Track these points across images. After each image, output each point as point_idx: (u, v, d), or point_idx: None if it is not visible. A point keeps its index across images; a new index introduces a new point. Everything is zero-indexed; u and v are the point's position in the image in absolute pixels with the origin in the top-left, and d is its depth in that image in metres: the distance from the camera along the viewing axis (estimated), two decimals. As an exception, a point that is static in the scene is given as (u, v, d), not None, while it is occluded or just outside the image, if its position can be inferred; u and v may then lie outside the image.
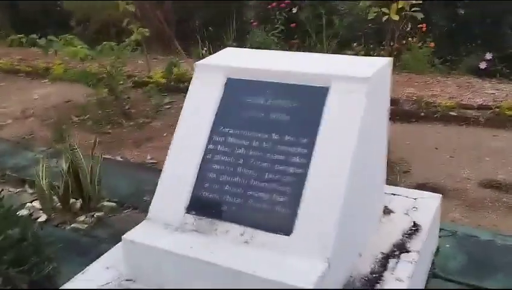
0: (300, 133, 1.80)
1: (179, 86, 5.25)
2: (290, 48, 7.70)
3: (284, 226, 1.71)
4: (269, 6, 7.53)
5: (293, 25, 7.78)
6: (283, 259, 1.64)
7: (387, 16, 5.44)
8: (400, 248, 1.98)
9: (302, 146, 1.77)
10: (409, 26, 6.07)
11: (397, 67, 5.86)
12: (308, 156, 1.75)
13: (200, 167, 1.89)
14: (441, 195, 2.32)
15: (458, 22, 6.25)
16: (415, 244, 1.99)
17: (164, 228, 1.86)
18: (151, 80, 5.31)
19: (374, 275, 1.84)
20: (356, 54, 6.80)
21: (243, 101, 1.92)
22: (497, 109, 4.03)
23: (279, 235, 1.70)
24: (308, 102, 1.82)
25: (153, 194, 3.02)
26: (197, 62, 2.04)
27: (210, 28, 7.93)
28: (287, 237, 1.69)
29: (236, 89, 1.95)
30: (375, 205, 2.11)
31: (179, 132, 1.98)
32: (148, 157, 3.69)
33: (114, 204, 2.99)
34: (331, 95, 1.78)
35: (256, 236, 1.73)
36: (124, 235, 1.86)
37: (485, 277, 2.20)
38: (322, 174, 1.71)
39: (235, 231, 1.76)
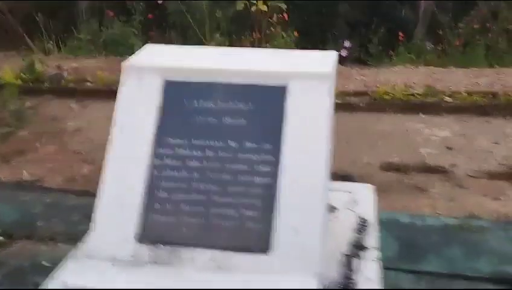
0: (262, 138, 1.63)
1: (38, 87, 4.64)
2: (149, 39, 7.35)
3: (260, 244, 1.54)
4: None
5: (150, 16, 7.43)
6: (267, 280, 1.47)
7: (254, 7, 5.48)
8: (358, 247, 1.93)
9: (266, 152, 1.61)
10: (274, 16, 6.18)
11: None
12: (275, 163, 1.59)
13: (146, 186, 1.62)
14: (374, 186, 2.33)
15: (319, 12, 6.54)
16: (370, 240, 1.96)
17: (113, 264, 1.55)
18: (3, 81, 4.59)
19: (344, 279, 1.77)
20: (219, 45, 6.74)
21: (188, 107, 1.68)
22: (374, 94, 4.28)
23: (255, 254, 1.52)
24: (265, 103, 1.66)
25: (50, 218, 2.60)
26: (123, 63, 1.74)
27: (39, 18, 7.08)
28: (265, 255, 1.52)
29: (178, 93, 1.70)
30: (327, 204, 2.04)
31: (114, 147, 1.67)
32: (25, 173, 3.16)
33: (0, 237, 2.49)
34: (291, 94, 1.63)
35: (229, 259, 1.53)
36: (69, 282, 1.50)
37: (420, 260, 2.28)
38: (295, 182, 1.57)
39: (203, 257, 1.54)
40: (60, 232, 2.49)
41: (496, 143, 3.51)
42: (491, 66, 5.92)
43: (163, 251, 1.55)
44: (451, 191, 2.93)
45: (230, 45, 6.84)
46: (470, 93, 4.12)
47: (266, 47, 6.41)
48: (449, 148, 3.43)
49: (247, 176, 1.60)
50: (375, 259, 1.86)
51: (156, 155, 1.64)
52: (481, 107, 4.01)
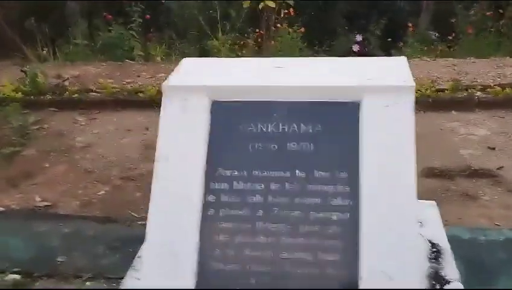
0: (335, 165, 1.38)
1: (39, 99, 4.35)
2: (147, 41, 7.08)
3: (345, 294, 1.30)
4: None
5: (147, 17, 7.15)
6: (359, 341, 1.23)
7: (262, 4, 5.22)
8: (437, 280, 1.68)
9: (341, 182, 1.36)
10: (282, 13, 5.93)
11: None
12: (353, 195, 1.35)
13: (202, 229, 1.37)
14: (434, 201, 2.10)
15: (326, 8, 6.29)
16: (448, 270, 1.71)
17: (169, 326, 1.30)
18: (2, 95, 4.30)
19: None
20: (223, 43, 6.49)
21: (243, 132, 1.43)
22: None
23: (341, 307, 1.29)
24: (335, 123, 1.41)
25: (71, 252, 2.34)
26: (165, 83, 1.48)
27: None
28: (353, 308, 1.28)
29: (230, 116, 1.45)
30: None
31: (160, 183, 1.41)
32: (37, 199, 2.90)
33: (17, 276, 2.22)
34: (366, 111, 1.39)
35: (310, 314, 1.29)
36: None
37: (491, 283, 2.04)
38: (380, 216, 1.32)
39: (279, 313, 1.29)
40: (84, 268, 2.23)
41: (540, 141, 3.28)
42: (508, 54, 5.69)
43: (228, 307, 1.31)
44: (505, 198, 2.70)
45: (234, 43, 6.58)
46: (501, 87, 3.90)
47: (273, 44, 6.17)
48: (491, 149, 3.20)
49: (321, 211, 1.35)
50: (461, 294, 1.61)
51: (209, 191, 1.39)
52: (515, 101, 3.79)
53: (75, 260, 2.29)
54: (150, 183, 2.96)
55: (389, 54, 6.36)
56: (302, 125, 1.41)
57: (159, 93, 4.78)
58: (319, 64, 1.59)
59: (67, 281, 2.17)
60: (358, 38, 5.74)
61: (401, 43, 6.82)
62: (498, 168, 2.92)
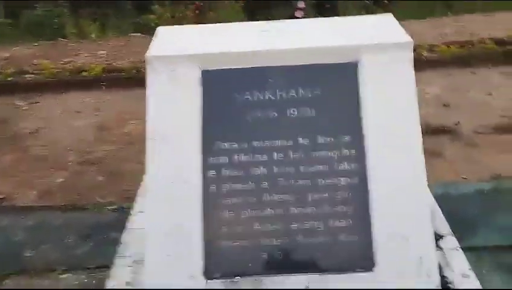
0: (338, 129, 1.33)
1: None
2: (79, 18, 6.70)
3: (360, 260, 1.27)
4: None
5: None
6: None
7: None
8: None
9: (346, 146, 1.32)
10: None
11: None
12: (360, 158, 1.31)
13: (205, 207, 1.29)
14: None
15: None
16: (440, 226, 1.73)
17: (183, 312, 1.23)
18: None
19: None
20: (161, 16, 6.25)
21: (238, 101, 1.35)
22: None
23: (358, 273, 1.26)
24: (333, 86, 1.36)
25: (39, 245, 2.22)
26: (148, 54, 1.36)
27: None
28: (370, 273, 1.26)
29: (224, 85, 1.36)
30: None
31: (154, 163, 1.31)
32: (-13, 193, 2.67)
33: (-18, 276, 2.04)
34: (365, 71, 1.34)
35: (329, 282, 1.25)
36: None
37: (473, 235, 2.10)
38: (388, 177, 1.30)
39: (297, 284, 1.25)
40: (57, 261, 2.09)
41: (489, 94, 3.41)
42: (443, 15, 5.84)
43: (243, 283, 1.25)
44: (466, 152, 2.79)
45: (173, 15, 6.35)
46: (446, 45, 4.01)
47: (212, 15, 6.00)
48: (446, 106, 3.29)
49: (328, 178, 1.31)
50: (457, 248, 1.64)
51: (209, 166, 1.31)
52: (461, 59, 3.91)
53: (45, 253, 2.14)
54: (112, 166, 2.85)
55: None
56: (300, 90, 1.35)
57: (105, 71, 4.49)
58: (308, 25, 1.52)
59: (40, 276, 2.02)
60: (300, 4, 5.66)
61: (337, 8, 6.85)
62: (455, 124, 3.02)
